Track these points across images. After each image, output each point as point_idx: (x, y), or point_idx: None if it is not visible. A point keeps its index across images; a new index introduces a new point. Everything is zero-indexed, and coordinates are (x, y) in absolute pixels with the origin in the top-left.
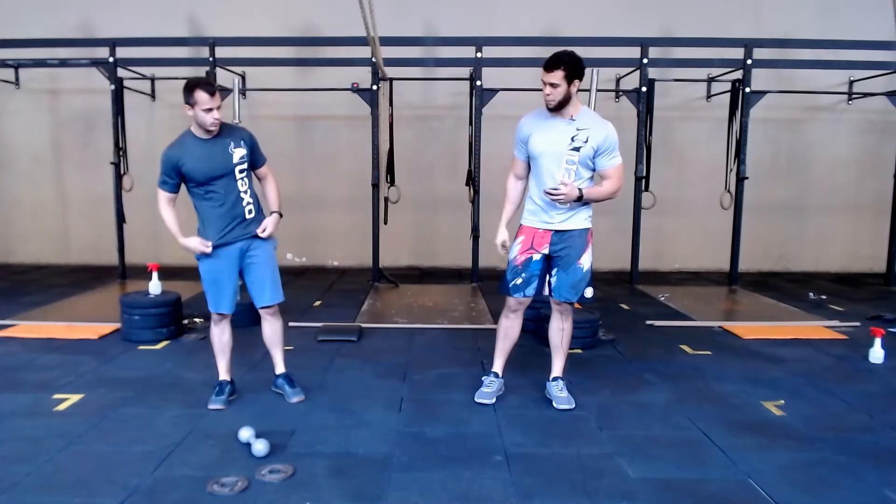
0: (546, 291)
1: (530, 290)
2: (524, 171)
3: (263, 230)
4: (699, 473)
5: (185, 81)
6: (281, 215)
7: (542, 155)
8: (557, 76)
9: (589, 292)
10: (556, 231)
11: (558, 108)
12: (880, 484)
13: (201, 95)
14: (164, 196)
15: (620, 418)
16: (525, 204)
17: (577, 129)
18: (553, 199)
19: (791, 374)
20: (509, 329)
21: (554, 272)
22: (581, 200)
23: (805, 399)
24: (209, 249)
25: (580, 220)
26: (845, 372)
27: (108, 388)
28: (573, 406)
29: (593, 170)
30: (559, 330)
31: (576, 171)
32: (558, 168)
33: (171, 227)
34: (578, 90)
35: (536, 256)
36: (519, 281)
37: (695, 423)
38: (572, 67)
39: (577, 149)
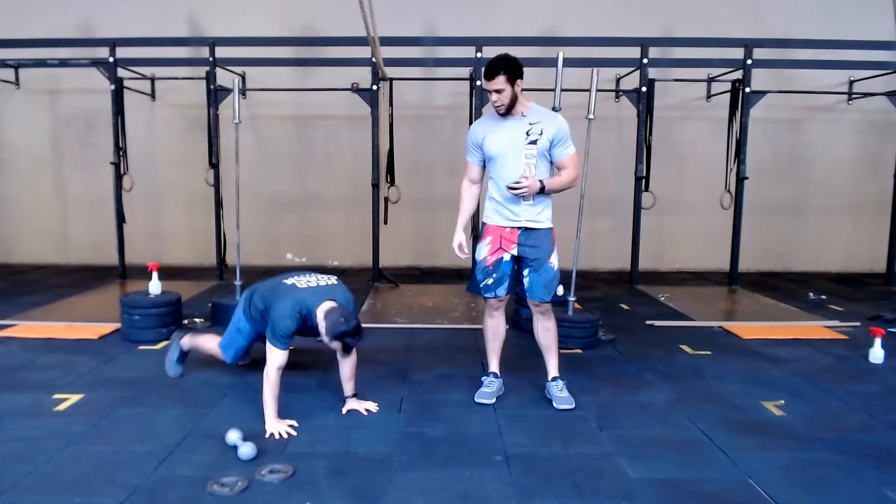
0: (519, 293)
1: (502, 291)
2: (479, 174)
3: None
4: (699, 473)
5: None
6: None
7: (500, 154)
8: (500, 82)
9: (560, 290)
10: (524, 229)
11: (507, 112)
12: (880, 484)
13: None
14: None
15: (620, 418)
16: (486, 204)
17: (530, 124)
18: (516, 194)
19: (791, 374)
20: (496, 328)
21: (526, 273)
22: (543, 191)
23: (805, 399)
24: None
25: (544, 219)
26: (845, 372)
27: (108, 388)
28: (573, 406)
29: (551, 162)
30: (545, 330)
31: (535, 165)
32: (518, 164)
33: None
34: (523, 89)
35: (506, 257)
36: (490, 281)
37: (695, 423)
38: (511, 70)
39: (533, 142)
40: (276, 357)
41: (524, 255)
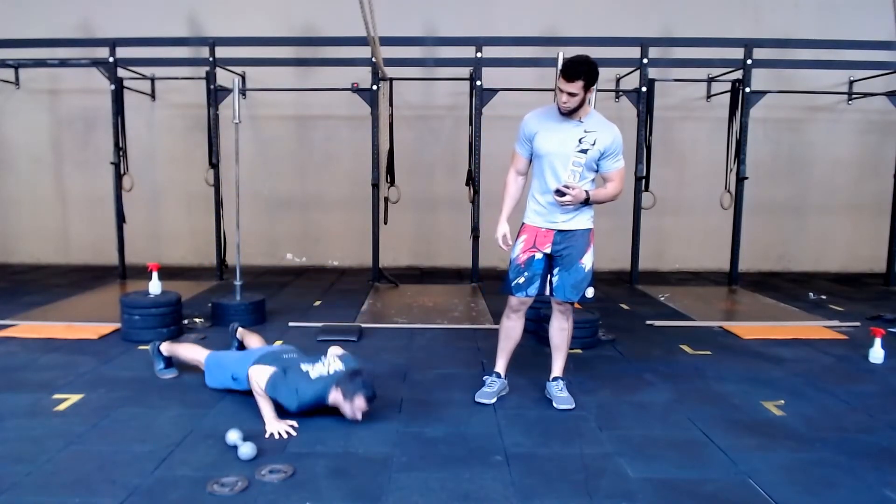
0: (547, 291)
1: (532, 290)
2: (525, 167)
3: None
4: (699, 473)
5: None
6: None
7: (549, 155)
8: (577, 86)
9: (590, 292)
10: (560, 231)
11: (570, 114)
12: (880, 484)
13: None
14: None
15: (620, 418)
16: (527, 203)
17: (585, 132)
18: (561, 202)
19: (791, 374)
20: (511, 330)
21: (556, 271)
22: (587, 203)
23: (805, 399)
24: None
25: (583, 220)
26: (845, 372)
27: (108, 388)
28: (573, 406)
29: (595, 171)
30: (561, 330)
31: (580, 174)
32: (564, 169)
33: None
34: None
35: (538, 255)
36: (521, 280)
37: (695, 423)
38: (591, 76)
39: (584, 151)
40: (262, 373)
41: (557, 252)
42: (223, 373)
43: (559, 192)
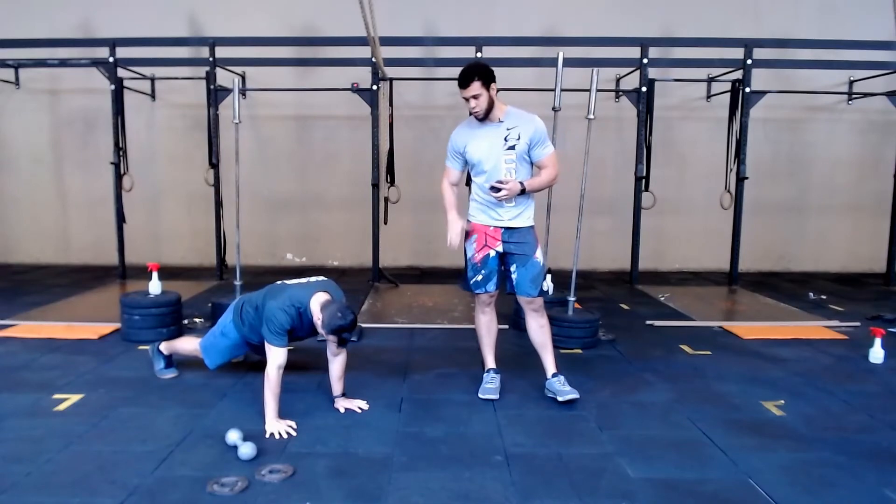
0: (508, 290)
1: (491, 286)
2: (458, 178)
3: None
4: (699, 473)
5: None
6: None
7: (482, 161)
8: (475, 87)
9: (545, 285)
10: (506, 228)
11: (485, 116)
12: (880, 484)
13: None
14: None
15: (620, 418)
16: (470, 204)
17: (507, 129)
18: (498, 198)
19: (791, 374)
20: (489, 323)
21: (513, 269)
22: (524, 193)
23: (805, 399)
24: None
25: (525, 218)
26: (845, 372)
27: (108, 388)
28: (578, 395)
29: (531, 163)
30: (540, 327)
31: (515, 169)
32: (498, 170)
33: None
34: (498, 91)
35: (492, 253)
36: (479, 278)
37: (695, 423)
38: (485, 75)
39: (511, 147)
40: (275, 356)
41: (510, 251)
42: (214, 339)
43: (494, 189)
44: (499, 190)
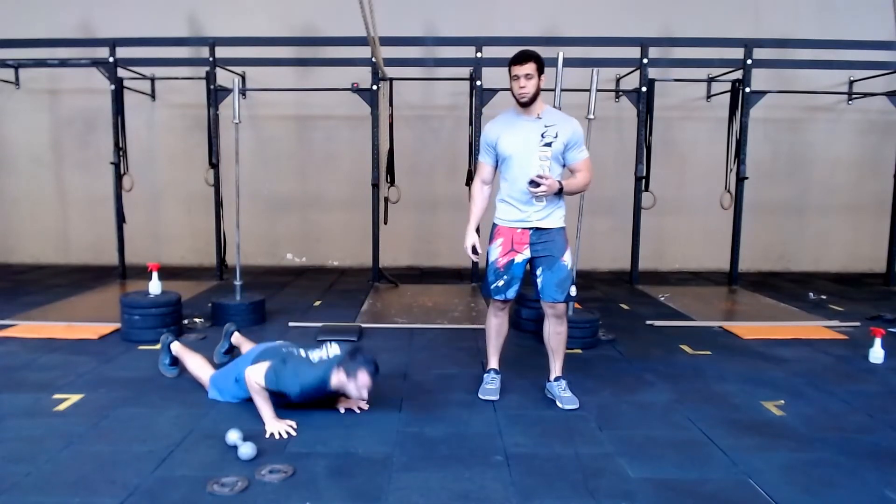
0: (534, 295)
1: (511, 293)
2: (491, 175)
3: None
4: (699, 473)
5: None
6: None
7: (515, 155)
8: (531, 67)
9: (573, 290)
10: (535, 229)
11: (530, 102)
12: (880, 484)
13: None
14: None
15: (620, 418)
16: (496, 205)
17: (545, 126)
18: (535, 192)
19: (791, 374)
20: (500, 326)
21: (539, 272)
22: (561, 193)
23: (805, 399)
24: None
25: (556, 218)
26: (845, 372)
27: (108, 388)
28: (577, 406)
29: (562, 165)
30: (557, 334)
31: (549, 167)
32: (531, 166)
33: None
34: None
35: (518, 259)
36: (501, 283)
37: (695, 423)
38: (540, 63)
39: (548, 144)
40: (257, 377)
41: (537, 254)
42: (227, 380)
43: (533, 183)
44: (538, 185)
